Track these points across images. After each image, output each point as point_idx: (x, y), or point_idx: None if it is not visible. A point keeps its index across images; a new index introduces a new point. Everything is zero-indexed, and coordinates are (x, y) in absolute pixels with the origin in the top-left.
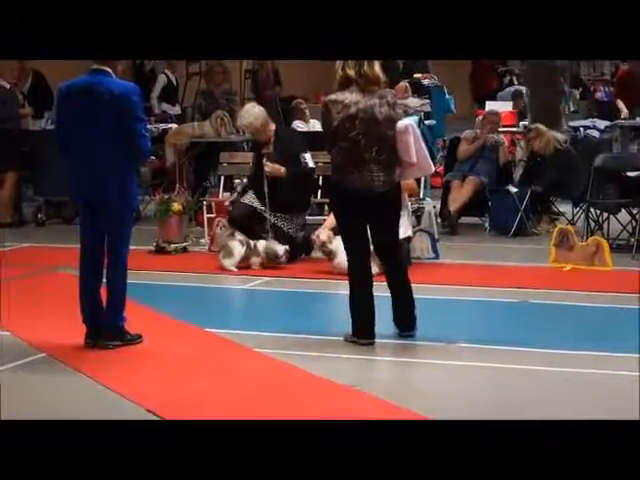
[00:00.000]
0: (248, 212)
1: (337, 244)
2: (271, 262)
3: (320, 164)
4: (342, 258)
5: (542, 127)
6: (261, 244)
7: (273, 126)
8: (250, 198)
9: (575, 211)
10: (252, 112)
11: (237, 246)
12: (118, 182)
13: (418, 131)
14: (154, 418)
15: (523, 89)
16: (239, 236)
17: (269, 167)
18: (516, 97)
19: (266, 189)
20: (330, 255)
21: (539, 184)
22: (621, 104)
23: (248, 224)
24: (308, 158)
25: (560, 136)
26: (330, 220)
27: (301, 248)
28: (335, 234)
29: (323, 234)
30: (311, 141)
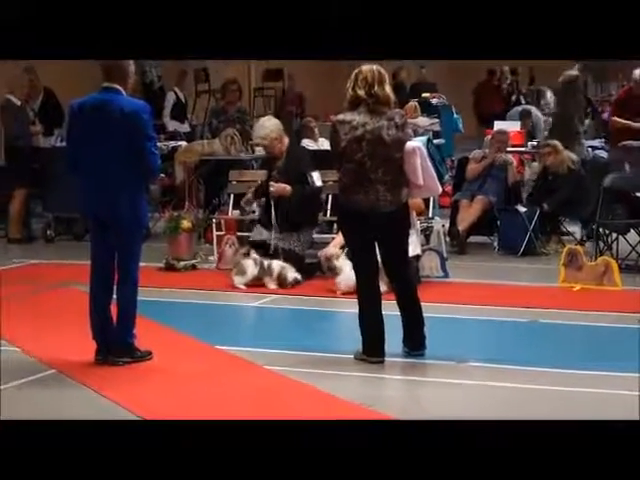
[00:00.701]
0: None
1: (342, 262)
2: (281, 286)
3: (330, 182)
4: (345, 276)
5: (559, 145)
6: (275, 266)
7: (287, 140)
8: (258, 233)
9: (584, 231)
10: (268, 124)
11: (250, 265)
12: (128, 199)
13: (425, 152)
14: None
15: (532, 108)
16: (254, 255)
17: (274, 187)
18: (524, 117)
19: (273, 210)
20: (334, 271)
21: (549, 203)
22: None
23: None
24: (316, 177)
25: (574, 156)
26: (339, 238)
27: (311, 268)
28: (342, 252)
29: (330, 250)
30: (320, 159)
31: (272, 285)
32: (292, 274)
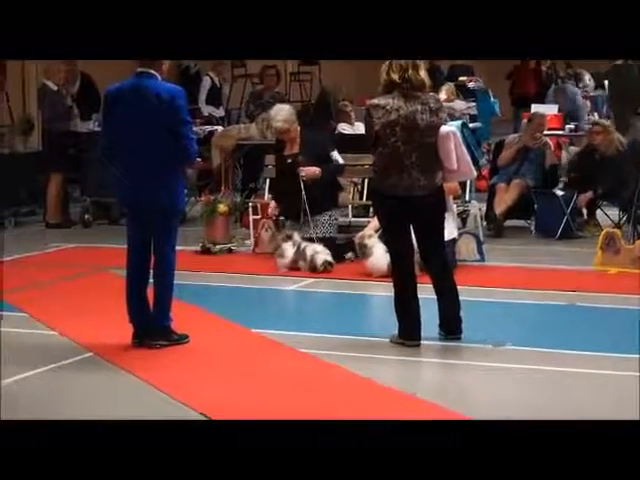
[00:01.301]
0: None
1: (373, 241)
2: (313, 270)
3: (366, 166)
4: (376, 258)
5: (609, 124)
6: (309, 250)
7: (297, 126)
8: (285, 235)
9: (622, 214)
10: (286, 109)
11: (289, 248)
12: (165, 184)
13: (460, 137)
14: (197, 416)
15: (566, 86)
16: (296, 237)
17: (305, 171)
18: (558, 95)
19: (304, 194)
20: (365, 251)
21: (595, 189)
22: None
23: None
24: (336, 155)
25: (622, 138)
26: (374, 222)
27: (343, 248)
28: (376, 233)
29: (365, 231)
30: (356, 143)
31: (305, 268)
32: (322, 257)
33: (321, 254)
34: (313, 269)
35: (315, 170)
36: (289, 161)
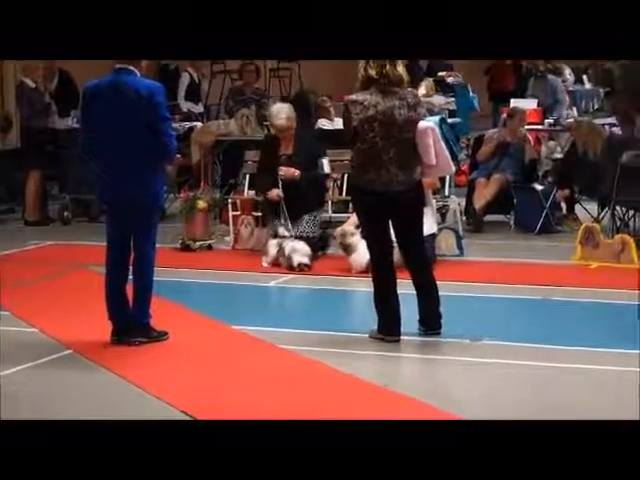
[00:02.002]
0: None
1: (357, 239)
2: (290, 268)
3: (345, 162)
4: (359, 254)
5: (592, 121)
6: (288, 248)
7: (294, 125)
8: (272, 231)
9: (600, 209)
10: (286, 107)
11: (272, 245)
12: (145, 181)
13: (439, 132)
14: (178, 414)
15: (547, 75)
16: (282, 232)
17: (284, 171)
18: (538, 84)
19: (281, 193)
20: (348, 249)
21: (575, 184)
22: None
23: None
24: (325, 163)
25: (605, 133)
26: (354, 218)
27: (319, 245)
28: (357, 230)
29: (344, 228)
30: (335, 139)
31: (284, 266)
32: (298, 259)
33: (298, 254)
34: (290, 267)
35: (294, 172)
36: (283, 159)
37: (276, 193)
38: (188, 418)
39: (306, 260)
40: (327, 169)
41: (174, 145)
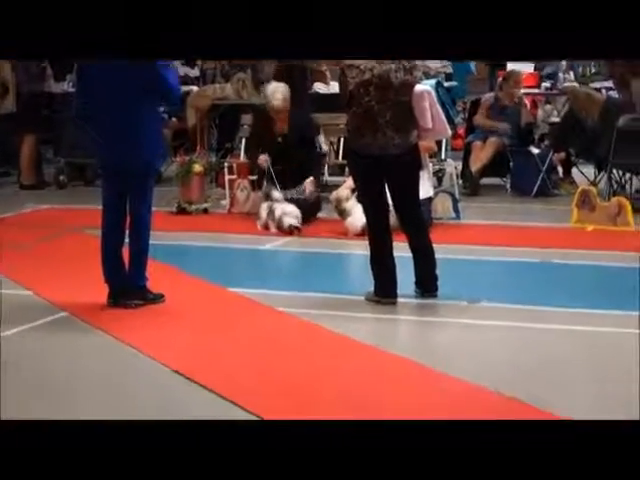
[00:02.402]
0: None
1: (352, 204)
2: (279, 230)
3: (341, 126)
4: (355, 218)
5: (587, 86)
6: (278, 210)
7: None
8: (267, 190)
9: (597, 172)
10: (281, 90)
11: (264, 209)
12: (141, 143)
13: (435, 96)
14: (176, 376)
15: None
16: (275, 195)
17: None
18: None
19: (268, 158)
20: (343, 214)
21: (572, 148)
22: None
23: None
24: (322, 141)
25: (602, 98)
26: (349, 181)
27: (313, 208)
28: (352, 194)
29: (340, 192)
30: (331, 102)
31: (273, 229)
32: (289, 220)
33: (289, 216)
34: (280, 229)
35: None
36: (279, 140)
37: (264, 159)
38: (182, 379)
39: (296, 222)
40: (324, 147)
41: (178, 88)
